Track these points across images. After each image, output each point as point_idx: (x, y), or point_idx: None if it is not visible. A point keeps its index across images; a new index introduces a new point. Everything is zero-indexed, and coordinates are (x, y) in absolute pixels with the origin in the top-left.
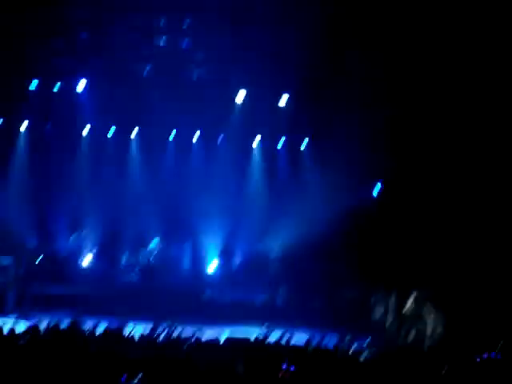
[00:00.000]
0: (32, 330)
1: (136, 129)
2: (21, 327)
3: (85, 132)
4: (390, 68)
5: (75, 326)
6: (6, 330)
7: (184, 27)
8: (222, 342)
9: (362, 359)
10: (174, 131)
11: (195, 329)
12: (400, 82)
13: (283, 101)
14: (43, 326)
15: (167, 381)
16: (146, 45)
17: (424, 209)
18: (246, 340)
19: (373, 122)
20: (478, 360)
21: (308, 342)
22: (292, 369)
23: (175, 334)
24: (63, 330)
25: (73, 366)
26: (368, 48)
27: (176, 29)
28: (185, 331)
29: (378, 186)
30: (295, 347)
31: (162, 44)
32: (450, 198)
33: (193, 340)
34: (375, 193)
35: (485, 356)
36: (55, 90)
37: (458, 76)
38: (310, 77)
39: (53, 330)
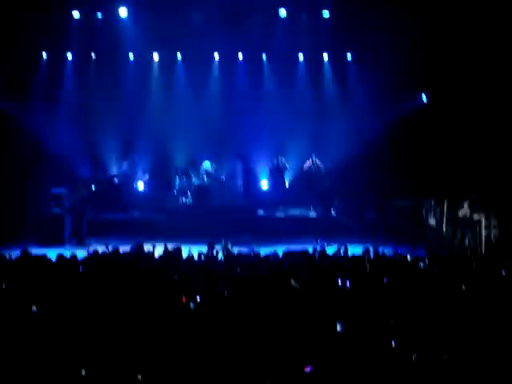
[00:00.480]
0: (92, 258)
1: (179, 53)
2: (80, 255)
3: (129, 59)
4: None
5: (138, 250)
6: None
7: None
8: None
9: (420, 266)
10: (218, 53)
11: (251, 247)
12: None
13: (325, 16)
14: (101, 252)
15: (228, 295)
16: None
17: (472, 116)
18: (302, 253)
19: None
20: None
21: (364, 253)
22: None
23: (231, 253)
24: (124, 254)
25: (134, 290)
26: None
27: None
28: (240, 250)
29: (424, 96)
30: (352, 258)
31: None
32: (499, 103)
33: (251, 255)
34: (422, 102)
35: None
36: (97, 19)
37: None
38: None
39: (112, 255)
